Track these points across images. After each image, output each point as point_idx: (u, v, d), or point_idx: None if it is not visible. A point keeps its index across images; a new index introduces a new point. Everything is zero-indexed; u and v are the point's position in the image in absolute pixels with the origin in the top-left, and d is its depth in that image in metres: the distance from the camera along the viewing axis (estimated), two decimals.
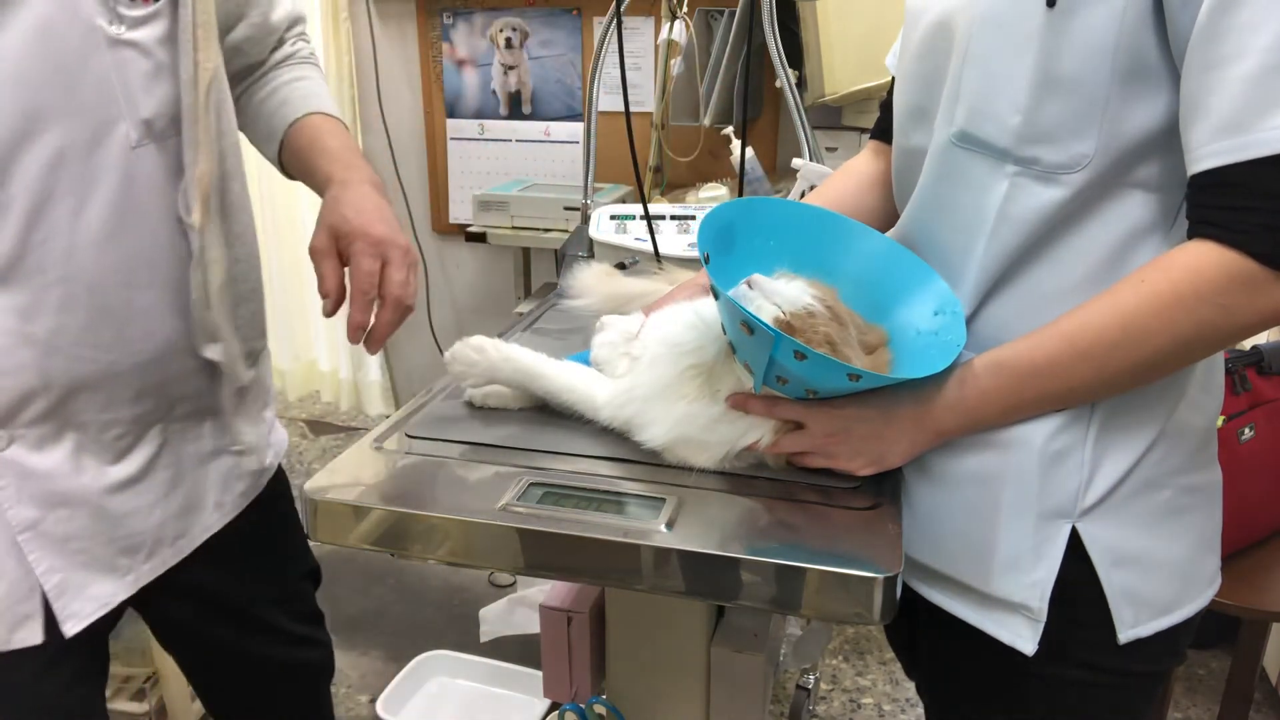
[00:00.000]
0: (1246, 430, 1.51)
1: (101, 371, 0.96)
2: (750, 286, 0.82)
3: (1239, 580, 1.51)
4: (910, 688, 2.09)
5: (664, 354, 0.89)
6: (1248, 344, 1.60)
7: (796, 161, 1.66)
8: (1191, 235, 0.72)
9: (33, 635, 0.98)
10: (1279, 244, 0.67)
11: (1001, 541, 0.81)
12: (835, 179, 1.07)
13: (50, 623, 0.98)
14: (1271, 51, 0.65)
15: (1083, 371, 0.75)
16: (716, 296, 0.81)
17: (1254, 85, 0.66)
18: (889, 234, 0.94)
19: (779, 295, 0.82)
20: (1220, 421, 1.46)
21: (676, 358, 0.88)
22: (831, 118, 2.24)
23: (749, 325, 0.76)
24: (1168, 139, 0.74)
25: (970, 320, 0.84)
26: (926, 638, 0.96)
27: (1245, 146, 0.67)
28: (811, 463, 0.85)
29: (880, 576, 0.72)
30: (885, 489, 0.85)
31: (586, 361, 0.99)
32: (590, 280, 1.23)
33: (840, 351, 0.80)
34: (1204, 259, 0.70)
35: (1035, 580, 0.80)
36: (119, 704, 1.90)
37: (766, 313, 0.80)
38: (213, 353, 1.04)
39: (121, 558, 1.03)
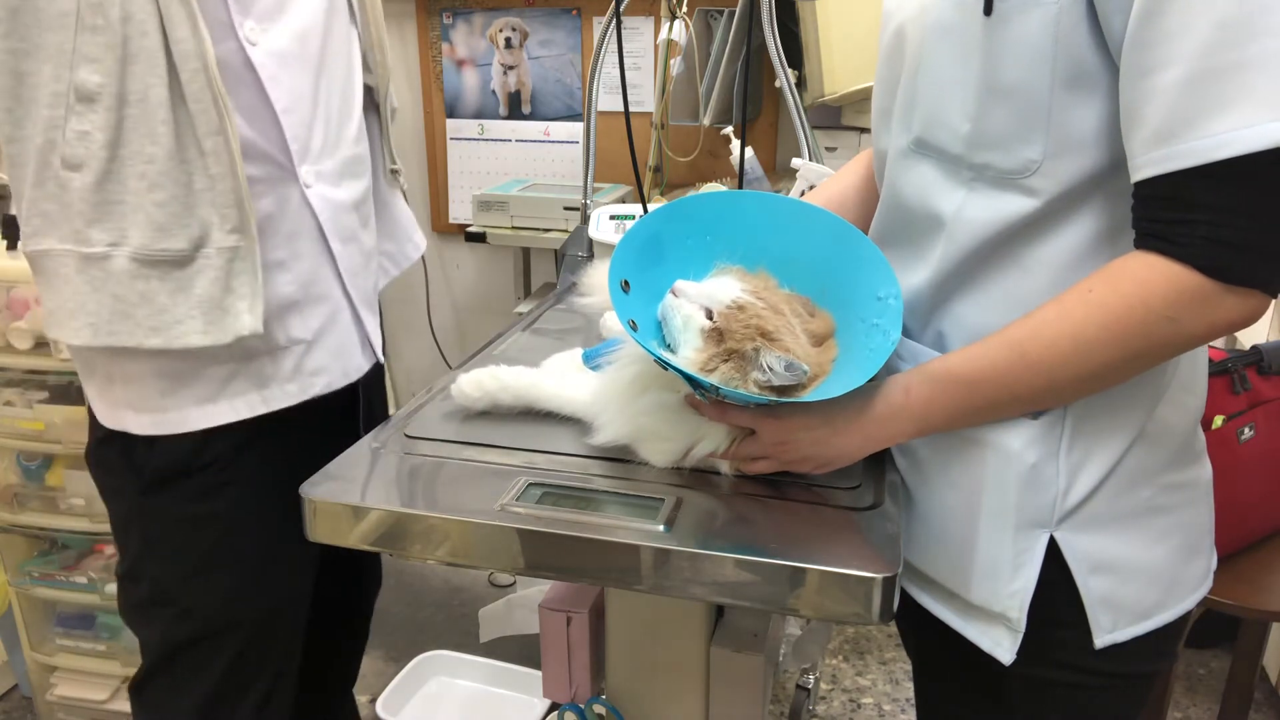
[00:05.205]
0: (1246, 430, 1.51)
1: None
2: (675, 294, 0.83)
3: (1239, 580, 1.50)
4: (910, 687, 2.09)
5: (624, 360, 0.91)
6: (1247, 343, 1.60)
7: (796, 161, 1.66)
8: (1138, 245, 0.71)
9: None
10: (1220, 257, 0.66)
11: (981, 549, 0.81)
12: (838, 173, 1.08)
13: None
14: (1198, 58, 0.64)
15: (1031, 381, 0.74)
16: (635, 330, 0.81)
17: (1182, 93, 0.65)
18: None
19: (704, 296, 0.82)
20: (1220, 421, 1.47)
21: (631, 364, 0.90)
22: (831, 118, 2.24)
23: (662, 364, 0.78)
24: (1119, 144, 0.72)
25: (932, 318, 0.84)
26: (913, 637, 0.96)
27: (1176, 156, 0.65)
28: (764, 468, 0.85)
29: (879, 577, 0.72)
30: (885, 489, 0.85)
31: (593, 357, 0.99)
32: (600, 279, 1.24)
33: (779, 342, 0.80)
34: (1151, 271, 0.69)
35: (1014, 590, 0.80)
36: (118, 704, 1.90)
37: (695, 321, 0.81)
38: None
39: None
